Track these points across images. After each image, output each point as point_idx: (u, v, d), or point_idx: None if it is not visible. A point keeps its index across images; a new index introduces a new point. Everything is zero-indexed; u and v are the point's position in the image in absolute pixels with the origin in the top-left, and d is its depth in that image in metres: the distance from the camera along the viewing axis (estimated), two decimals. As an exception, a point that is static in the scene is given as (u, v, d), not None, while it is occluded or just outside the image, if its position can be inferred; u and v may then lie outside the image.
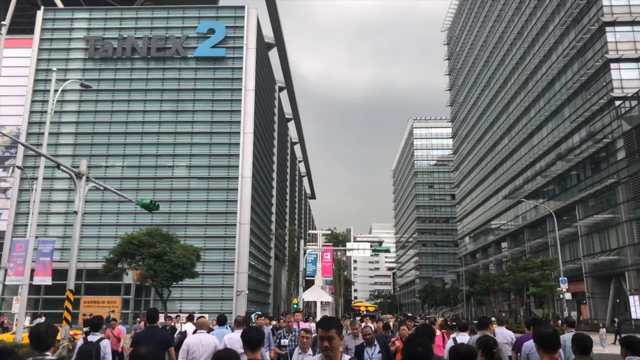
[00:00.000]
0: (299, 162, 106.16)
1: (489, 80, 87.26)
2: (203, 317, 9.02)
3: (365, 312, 48.46)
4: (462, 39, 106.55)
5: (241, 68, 51.14)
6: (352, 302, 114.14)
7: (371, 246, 33.98)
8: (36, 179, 46.50)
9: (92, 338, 8.69)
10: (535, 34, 67.00)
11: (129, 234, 32.17)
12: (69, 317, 15.13)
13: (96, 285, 45.47)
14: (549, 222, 61.56)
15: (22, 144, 14.02)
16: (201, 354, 7.92)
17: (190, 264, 31.27)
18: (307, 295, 38.66)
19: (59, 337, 17.31)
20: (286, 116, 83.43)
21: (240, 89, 50.61)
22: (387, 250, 35.08)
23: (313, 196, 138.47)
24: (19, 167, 36.74)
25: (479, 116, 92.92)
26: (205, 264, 43.53)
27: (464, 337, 8.82)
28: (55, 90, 20.65)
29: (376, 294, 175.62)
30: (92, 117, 51.07)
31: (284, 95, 78.48)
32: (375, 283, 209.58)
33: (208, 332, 9.26)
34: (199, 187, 49.29)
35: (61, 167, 15.15)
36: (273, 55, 67.92)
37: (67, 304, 15.13)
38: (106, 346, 8.46)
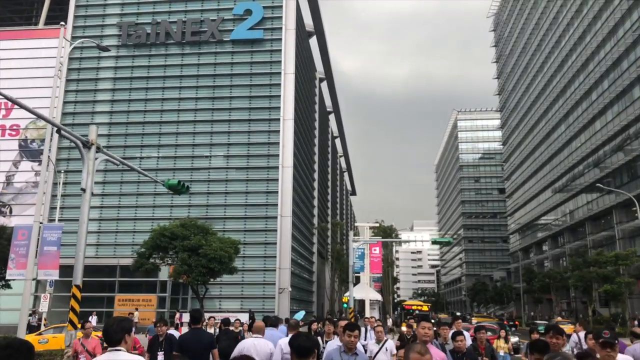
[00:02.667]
0: (340, 156, 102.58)
1: (542, 65, 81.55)
2: (260, 322, 8.56)
3: (417, 312, 44.74)
4: (510, 23, 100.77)
5: (280, 50, 47.95)
6: (396, 300, 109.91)
7: (430, 237, 30.43)
8: (61, 171, 44.23)
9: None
10: (597, 9, 61.48)
11: (161, 226, 29.43)
12: (75, 320, 12.08)
13: (131, 283, 43.07)
14: (616, 213, 56.30)
15: (23, 106, 11.01)
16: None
17: (227, 257, 28.22)
18: (356, 293, 35.41)
19: (62, 345, 13.78)
20: (327, 109, 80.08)
21: (280, 73, 47.41)
22: (449, 242, 31.35)
23: (354, 192, 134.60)
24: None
25: (531, 103, 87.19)
26: (245, 259, 40.71)
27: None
28: (68, 48, 17.97)
29: (419, 291, 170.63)
30: (126, 106, 48.95)
31: (324, 88, 75.15)
32: (419, 281, 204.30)
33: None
34: (237, 177, 46.43)
35: (62, 131, 12.15)
36: (313, 46, 64.72)
37: (72, 302, 12.10)
38: None
